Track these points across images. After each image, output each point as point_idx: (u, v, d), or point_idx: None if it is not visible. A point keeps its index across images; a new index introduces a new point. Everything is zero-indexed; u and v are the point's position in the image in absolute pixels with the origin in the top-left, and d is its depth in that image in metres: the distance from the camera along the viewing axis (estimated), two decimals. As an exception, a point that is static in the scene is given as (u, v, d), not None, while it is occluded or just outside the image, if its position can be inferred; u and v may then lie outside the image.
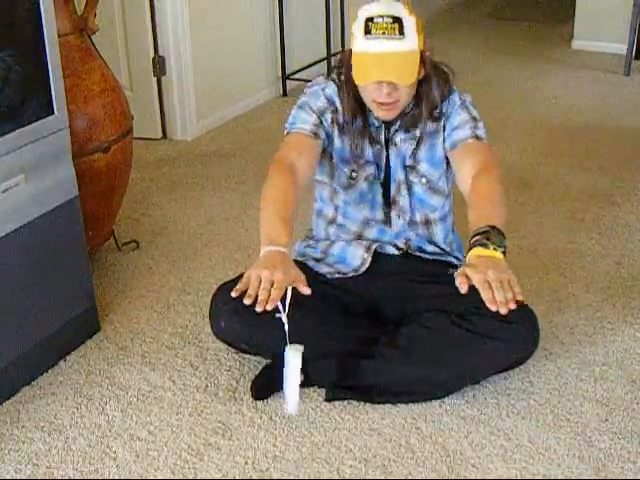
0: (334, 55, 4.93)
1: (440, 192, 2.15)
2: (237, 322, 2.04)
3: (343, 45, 5.00)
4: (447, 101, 2.09)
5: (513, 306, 1.66)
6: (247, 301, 1.70)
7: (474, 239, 1.77)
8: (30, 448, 1.94)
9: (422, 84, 2.02)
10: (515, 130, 4.02)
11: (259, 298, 1.69)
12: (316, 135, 2.06)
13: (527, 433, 1.95)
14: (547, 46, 5.68)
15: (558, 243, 2.88)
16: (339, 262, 2.16)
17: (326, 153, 2.13)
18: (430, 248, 2.19)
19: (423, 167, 2.12)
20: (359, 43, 1.94)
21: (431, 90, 2.04)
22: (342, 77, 2.07)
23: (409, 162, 2.11)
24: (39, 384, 2.17)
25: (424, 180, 2.12)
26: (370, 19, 1.91)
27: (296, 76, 4.69)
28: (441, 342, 2.00)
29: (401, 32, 1.91)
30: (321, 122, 2.08)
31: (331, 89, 2.10)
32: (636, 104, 4.43)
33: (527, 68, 5.15)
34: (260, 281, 1.71)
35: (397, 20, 1.90)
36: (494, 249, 1.74)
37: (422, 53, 1.97)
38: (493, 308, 1.65)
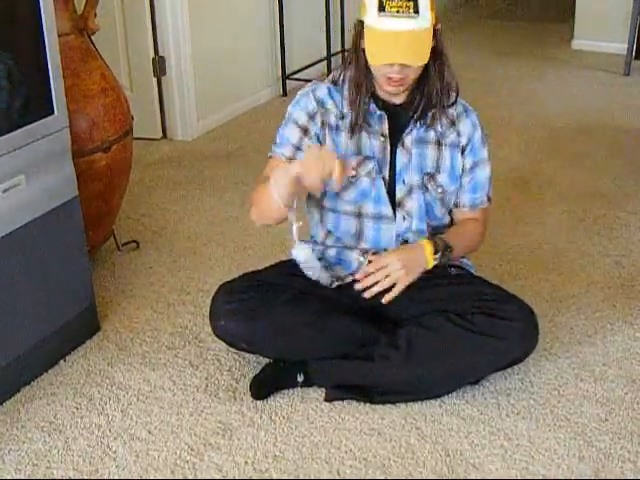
0: (334, 55, 4.93)
1: (447, 206, 2.13)
2: (237, 322, 2.04)
3: (343, 45, 5.00)
4: (465, 116, 2.07)
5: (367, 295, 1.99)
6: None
7: (436, 237, 2.05)
8: (30, 448, 1.94)
9: (432, 61, 1.95)
10: (515, 130, 4.02)
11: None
12: (298, 152, 2.04)
13: (527, 433, 1.95)
14: (547, 46, 5.69)
15: (558, 243, 2.88)
16: (337, 264, 2.16)
17: None
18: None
19: (443, 178, 2.08)
20: (372, 19, 1.87)
21: (440, 69, 1.97)
22: (351, 55, 2.01)
23: (430, 169, 2.07)
24: (39, 384, 2.17)
25: (440, 190, 2.09)
26: None
27: (296, 76, 4.69)
28: (440, 341, 1.99)
29: (416, 10, 1.83)
30: (306, 133, 2.04)
31: (322, 90, 2.05)
32: (636, 104, 4.43)
33: (527, 68, 5.15)
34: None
35: None
36: (434, 253, 2.00)
37: (434, 29, 1.91)
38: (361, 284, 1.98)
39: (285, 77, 4.67)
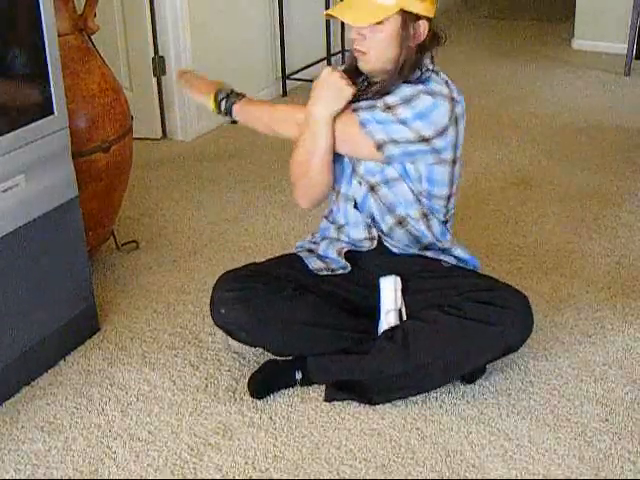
0: (334, 55, 4.93)
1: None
2: (236, 310, 2.04)
3: (343, 45, 5.00)
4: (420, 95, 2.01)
5: None
6: None
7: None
8: (30, 448, 1.94)
9: (402, 48, 1.96)
10: (515, 130, 4.02)
11: None
12: None
13: (527, 433, 1.95)
14: (547, 46, 5.69)
15: (558, 243, 2.88)
16: (326, 257, 2.17)
17: None
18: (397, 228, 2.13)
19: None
20: None
21: (410, 62, 1.97)
22: None
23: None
24: (39, 384, 2.17)
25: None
26: None
27: (296, 76, 4.69)
28: (435, 331, 1.99)
29: None
30: None
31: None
32: (636, 104, 4.43)
33: (527, 68, 5.15)
34: None
35: None
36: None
37: (417, 17, 1.93)
38: None
39: (285, 77, 4.67)
